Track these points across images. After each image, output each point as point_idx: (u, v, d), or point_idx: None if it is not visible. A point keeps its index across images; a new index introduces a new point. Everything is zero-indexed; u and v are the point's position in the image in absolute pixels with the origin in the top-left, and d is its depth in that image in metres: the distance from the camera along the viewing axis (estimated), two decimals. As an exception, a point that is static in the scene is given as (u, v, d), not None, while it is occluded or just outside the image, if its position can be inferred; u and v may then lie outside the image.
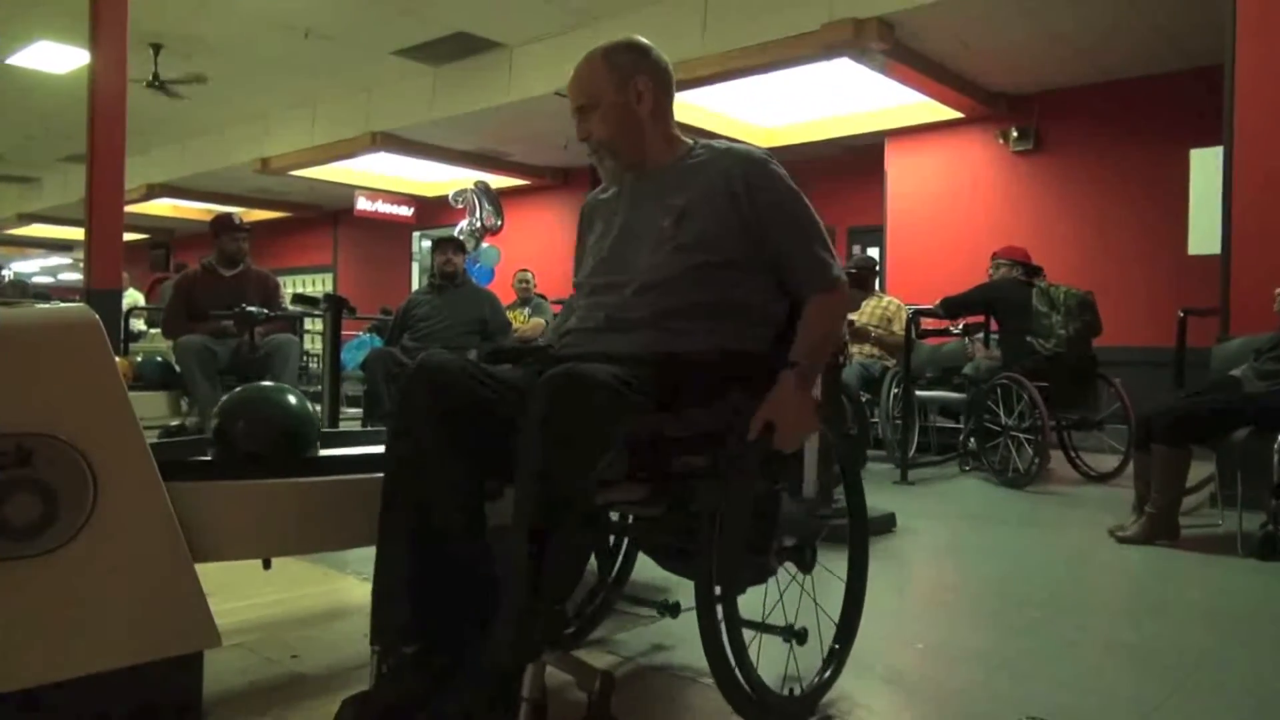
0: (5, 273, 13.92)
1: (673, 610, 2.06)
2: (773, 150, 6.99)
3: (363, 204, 11.89)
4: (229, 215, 5.33)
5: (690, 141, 1.91)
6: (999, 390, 5.05)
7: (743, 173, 1.80)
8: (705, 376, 1.71)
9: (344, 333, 4.75)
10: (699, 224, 1.78)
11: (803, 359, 1.74)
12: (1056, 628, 2.49)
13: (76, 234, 16.20)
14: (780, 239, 1.81)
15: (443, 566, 1.57)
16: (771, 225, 1.80)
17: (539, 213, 11.59)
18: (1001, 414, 5.01)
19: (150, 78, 8.47)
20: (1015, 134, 7.83)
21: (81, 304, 1.68)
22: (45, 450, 1.50)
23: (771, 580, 1.84)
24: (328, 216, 14.46)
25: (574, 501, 1.47)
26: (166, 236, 16.08)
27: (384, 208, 12.15)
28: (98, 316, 1.60)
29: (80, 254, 16.87)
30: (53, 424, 1.51)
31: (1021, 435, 4.93)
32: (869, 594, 2.01)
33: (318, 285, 14.99)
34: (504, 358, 1.95)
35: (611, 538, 2.21)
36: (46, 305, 1.68)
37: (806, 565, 1.87)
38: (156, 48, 8.30)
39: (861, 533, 2.03)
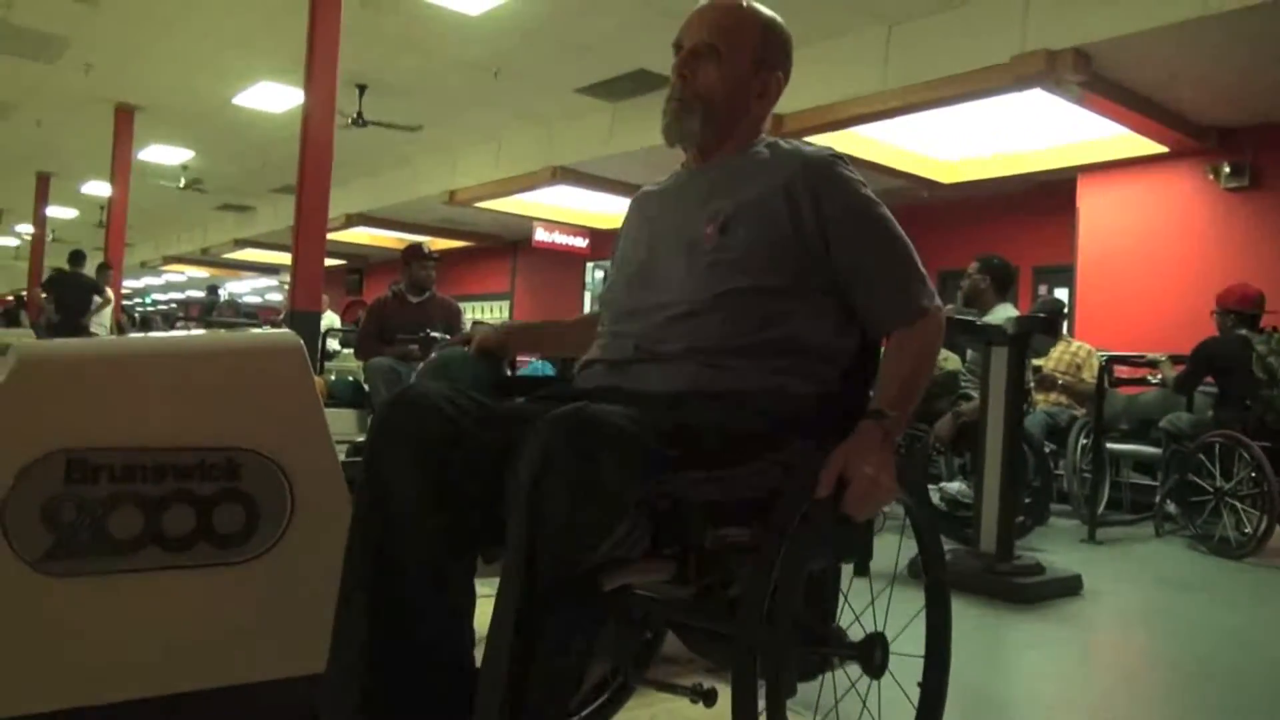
0: (221, 293, 15.23)
1: (708, 698, 1.56)
2: (954, 186, 6.80)
3: (541, 235, 12.32)
4: (419, 245, 5.62)
5: (762, 137, 1.60)
6: (1215, 449, 4.63)
7: (805, 175, 1.48)
8: (752, 425, 1.39)
9: (519, 359, 4.91)
10: (745, 235, 1.46)
11: (889, 406, 1.42)
12: None
13: (282, 259, 17.59)
14: (848, 257, 1.47)
15: (406, 650, 1.27)
16: (838, 239, 1.47)
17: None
18: (1217, 475, 4.59)
19: (354, 115, 9.09)
20: (1227, 170, 7.23)
21: (287, 329, 1.79)
22: (250, 464, 1.60)
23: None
24: (507, 246, 15.07)
25: (574, 586, 1.13)
26: (361, 263, 17.20)
27: (560, 239, 12.54)
28: (301, 341, 1.71)
29: (285, 276, 18.30)
30: (257, 439, 1.61)
31: (1238, 501, 4.50)
32: (1044, 660, 1.81)
33: (496, 312, 15.62)
34: (515, 389, 1.72)
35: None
36: (256, 330, 1.81)
37: (875, 668, 1.46)
38: (361, 88, 8.91)
39: (942, 622, 1.60)
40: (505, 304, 15.57)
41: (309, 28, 6.46)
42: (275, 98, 9.36)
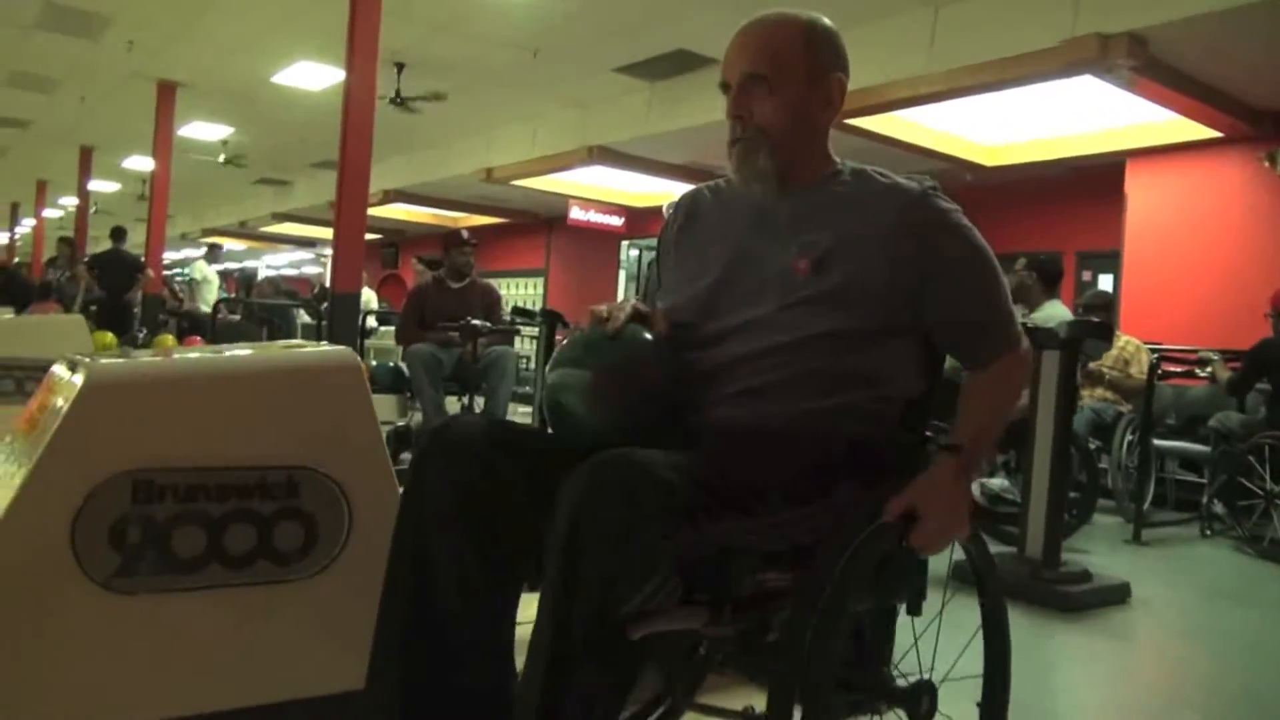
0: (266, 271, 15.34)
1: None
2: (997, 169, 6.65)
3: (576, 213, 12.29)
4: (458, 232, 5.62)
5: (838, 162, 1.53)
6: (1266, 450, 4.54)
7: (912, 219, 1.41)
8: (813, 468, 1.34)
9: (558, 342, 4.92)
10: (841, 274, 1.40)
11: (968, 442, 1.38)
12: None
13: (318, 232, 17.71)
14: (953, 306, 1.43)
15: (443, 682, 1.28)
16: (947, 288, 1.42)
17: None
18: (1267, 477, 4.50)
19: (393, 94, 9.09)
20: (1284, 156, 7.05)
21: (345, 348, 1.79)
22: (309, 482, 1.61)
23: None
24: (542, 223, 15.05)
25: (606, 635, 1.12)
26: (397, 237, 17.27)
27: (595, 217, 12.51)
28: (359, 359, 1.71)
29: (321, 250, 18.43)
30: (316, 458, 1.62)
31: (1291, 504, 4.41)
32: (1089, 676, 1.77)
33: (529, 288, 15.65)
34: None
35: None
36: (315, 348, 1.81)
37: (921, 717, 1.42)
38: (399, 66, 8.90)
39: (999, 674, 1.52)
40: (540, 280, 15.59)
41: (350, 7, 6.45)
42: (314, 76, 9.37)
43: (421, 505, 1.30)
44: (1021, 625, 2.96)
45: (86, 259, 10.77)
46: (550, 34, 7.78)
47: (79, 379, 1.49)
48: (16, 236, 22.80)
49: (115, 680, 1.51)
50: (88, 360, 1.55)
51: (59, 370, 1.64)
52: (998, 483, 4.44)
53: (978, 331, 1.46)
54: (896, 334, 1.43)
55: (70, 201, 17.18)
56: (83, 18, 8.22)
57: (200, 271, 11.09)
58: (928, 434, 1.54)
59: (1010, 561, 3.35)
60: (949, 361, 4.83)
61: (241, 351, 1.82)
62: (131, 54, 9.15)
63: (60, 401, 1.51)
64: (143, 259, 10.39)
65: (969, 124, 8.13)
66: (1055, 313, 4.01)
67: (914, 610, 1.45)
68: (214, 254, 11.26)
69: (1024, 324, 3.60)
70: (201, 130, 12.01)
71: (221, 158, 13.14)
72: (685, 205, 1.62)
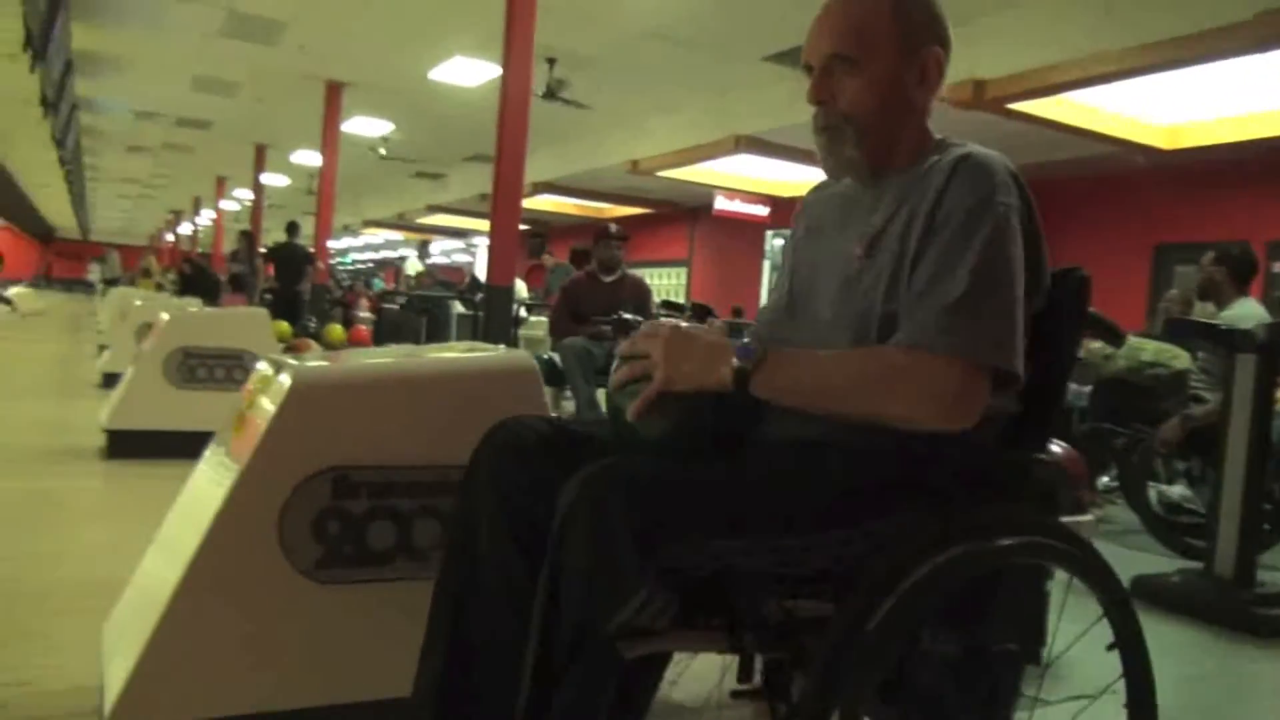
0: (431, 262, 15.94)
1: None
2: (1175, 152, 6.17)
3: (721, 203, 12.26)
4: (606, 227, 5.70)
5: (938, 139, 1.34)
6: None
7: (944, 180, 1.22)
8: (855, 483, 1.17)
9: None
10: (885, 256, 1.24)
11: (775, 360, 1.17)
12: None
13: (469, 223, 18.32)
14: (919, 263, 1.20)
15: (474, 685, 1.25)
16: (928, 245, 1.20)
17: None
18: None
19: (545, 89, 9.28)
20: None
21: (522, 352, 1.84)
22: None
23: None
24: (686, 213, 15.08)
25: (591, 650, 1.05)
26: (544, 228, 17.65)
27: (741, 207, 12.44)
28: (535, 363, 1.76)
29: (472, 240, 19.05)
30: (497, 458, 1.67)
31: None
32: None
33: (672, 279, 15.72)
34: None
35: None
36: (495, 353, 1.87)
37: None
38: (551, 61, 9.07)
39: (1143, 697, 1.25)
40: (683, 270, 15.63)
41: (507, 5, 6.61)
42: (469, 72, 9.67)
43: (472, 507, 1.27)
44: (1206, 650, 2.78)
45: (263, 251, 11.48)
46: (698, 24, 7.76)
47: (285, 381, 1.59)
48: (198, 228, 24.56)
49: (314, 663, 1.61)
50: (293, 363, 1.65)
51: (265, 370, 1.76)
52: (1177, 491, 4.17)
53: (914, 302, 1.18)
54: None
55: (245, 195, 18.38)
56: (262, 24, 8.75)
57: (413, 267, 11.62)
58: (1040, 454, 1.32)
59: (1195, 578, 3.14)
60: (1125, 358, 4.45)
61: (430, 356, 1.90)
62: (303, 56, 9.69)
63: (268, 402, 1.61)
64: (311, 251, 10.99)
65: (1140, 102, 7.62)
66: (1249, 311, 3.71)
67: (1030, 657, 1.26)
68: (425, 250, 11.80)
69: (1217, 327, 3.38)
70: (364, 126, 12.61)
71: (382, 152, 13.76)
72: (801, 207, 1.50)
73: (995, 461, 1.26)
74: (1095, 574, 1.21)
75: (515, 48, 6.60)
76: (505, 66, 6.66)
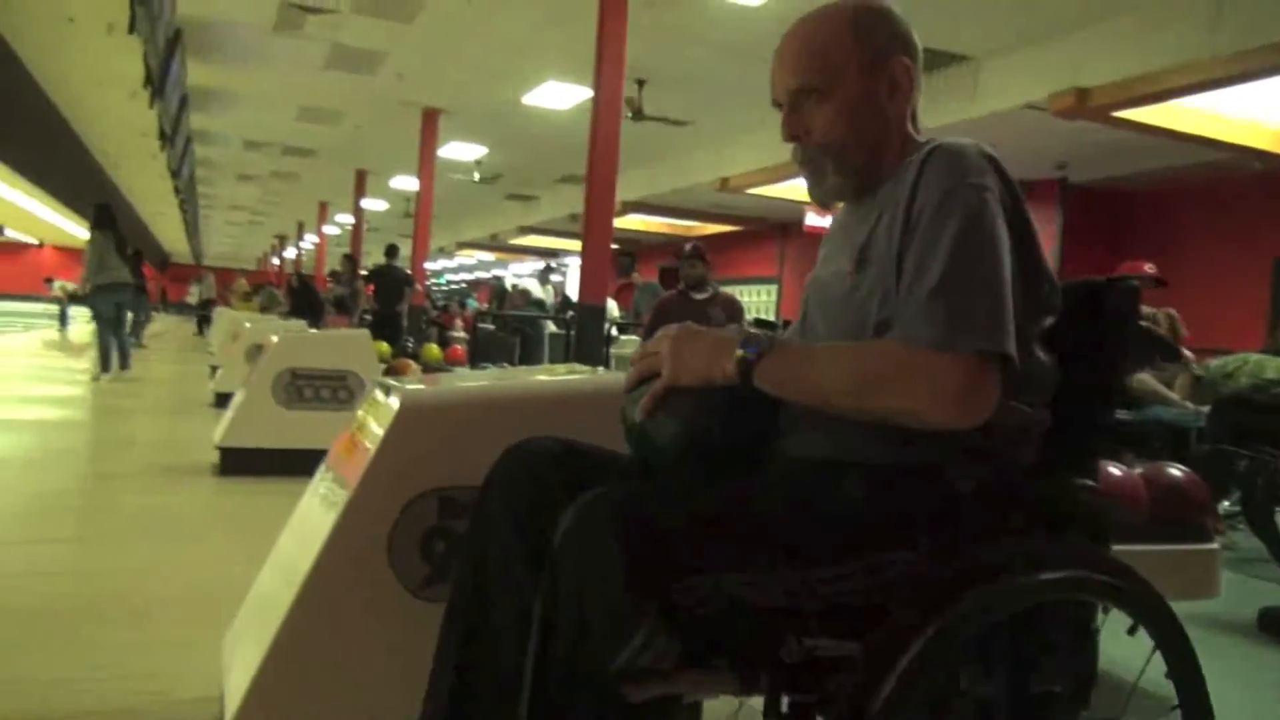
0: (512, 280, 16.26)
1: None
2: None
3: (812, 220, 12.16)
4: (690, 246, 5.73)
5: (922, 141, 1.27)
6: None
7: (916, 174, 1.16)
8: (880, 509, 1.11)
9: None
10: (874, 268, 1.18)
11: (781, 353, 1.12)
12: None
13: (558, 243, 18.58)
14: (907, 258, 1.13)
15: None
16: (909, 241, 1.14)
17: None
18: None
19: (634, 109, 9.37)
20: None
21: (619, 375, 1.86)
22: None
23: None
24: (775, 230, 15.00)
25: (588, 690, 1.00)
26: (633, 247, 17.77)
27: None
28: (638, 384, 1.77)
29: (560, 259, 19.32)
30: (598, 479, 1.69)
31: None
32: None
33: (761, 296, 15.64)
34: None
35: None
36: (593, 374, 1.89)
37: None
38: (640, 83, 9.16)
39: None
40: (773, 288, 15.54)
41: (598, 30, 6.71)
42: (560, 96, 9.85)
43: (483, 532, 1.25)
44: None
45: (363, 273, 11.85)
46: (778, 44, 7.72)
47: (394, 404, 1.64)
48: (302, 252, 25.51)
49: (422, 678, 1.64)
50: (401, 386, 1.70)
51: (375, 394, 1.81)
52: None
53: (902, 299, 1.11)
54: None
55: (346, 220, 19.02)
56: (363, 55, 9.08)
57: (539, 293, 11.83)
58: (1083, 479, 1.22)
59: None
60: (1248, 376, 4.21)
61: (532, 379, 1.93)
62: (401, 84, 10.01)
63: (377, 425, 1.66)
64: (410, 273, 11.30)
65: (1258, 107, 7.28)
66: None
67: (1079, 699, 1.16)
68: (546, 275, 12.04)
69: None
70: (458, 151, 12.94)
71: (476, 175, 14.09)
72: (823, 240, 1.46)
73: (1033, 486, 1.18)
74: (1145, 608, 1.13)
75: (606, 70, 6.69)
76: (596, 89, 6.76)
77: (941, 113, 8.36)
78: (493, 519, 1.24)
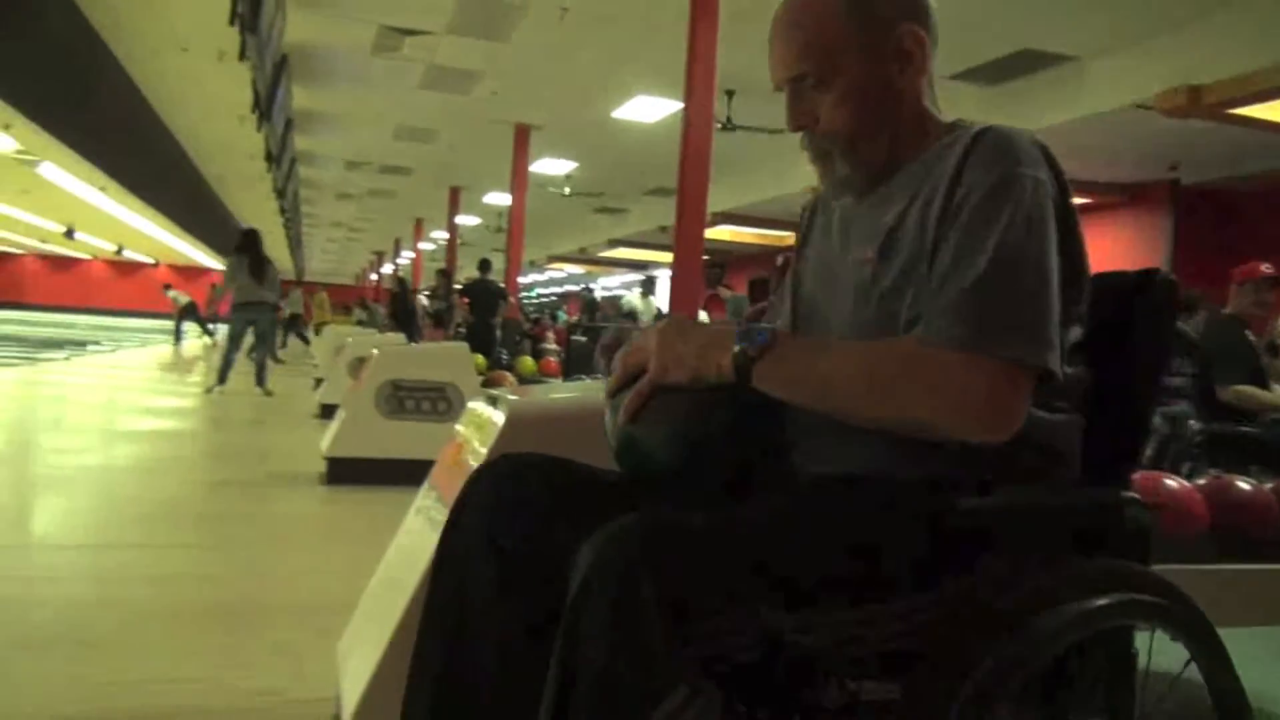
0: (601, 293, 16.38)
1: None
2: None
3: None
4: (783, 258, 5.70)
5: (948, 124, 1.16)
6: None
7: (960, 159, 1.04)
8: (924, 535, 0.99)
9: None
10: (901, 256, 1.07)
11: (790, 346, 1.01)
12: None
13: (648, 255, 18.66)
14: (940, 252, 1.02)
15: None
16: (947, 231, 1.02)
17: (1101, 235, 10.59)
18: None
19: (724, 121, 9.36)
20: None
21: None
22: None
23: None
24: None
25: None
26: (723, 258, 17.74)
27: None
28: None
29: (650, 272, 19.40)
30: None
31: None
32: None
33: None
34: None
35: None
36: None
37: None
38: (730, 94, 9.15)
39: None
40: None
41: (689, 44, 6.72)
42: (650, 109, 9.90)
43: (455, 559, 1.11)
44: None
45: (458, 288, 12.10)
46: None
47: (500, 416, 1.66)
48: (399, 268, 26.22)
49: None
50: (507, 398, 1.72)
51: (479, 407, 1.84)
52: None
53: (934, 294, 1.00)
54: None
55: (441, 235, 19.49)
56: (458, 75, 9.30)
57: (639, 305, 11.95)
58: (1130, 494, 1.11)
59: None
60: None
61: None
62: (494, 102, 10.21)
63: (480, 438, 1.69)
64: (503, 286, 11.50)
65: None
66: None
67: None
68: (650, 286, 12.15)
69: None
70: (549, 166, 13.13)
71: (566, 190, 14.26)
72: (802, 218, 1.32)
73: (1072, 499, 1.08)
74: (1191, 629, 1.03)
75: (697, 82, 6.70)
76: (687, 101, 6.77)
77: (1043, 115, 8.12)
78: (468, 546, 1.10)
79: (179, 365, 14.25)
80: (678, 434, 1.05)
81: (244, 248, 8.59)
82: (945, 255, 1.00)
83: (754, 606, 0.91)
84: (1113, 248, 10.21)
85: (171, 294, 20.05)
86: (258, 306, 8.56)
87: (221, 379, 8.71)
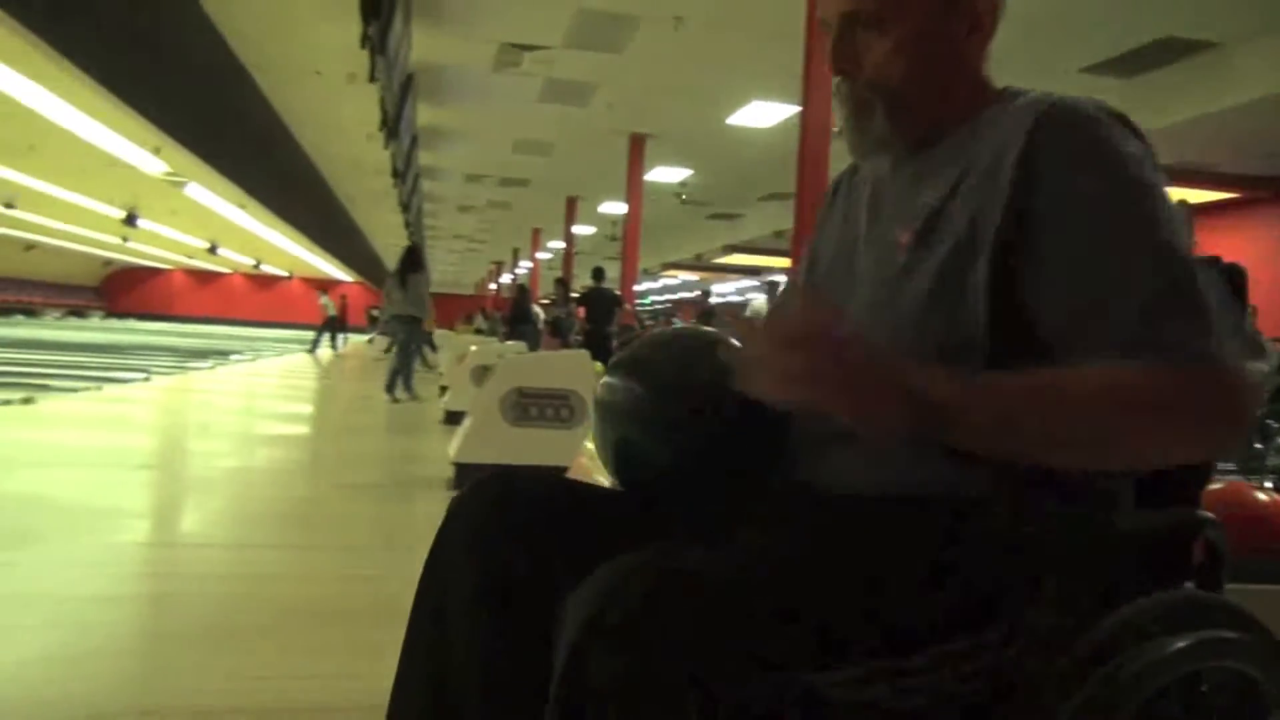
0: (719, 302, 16.35)
1: None
2: None
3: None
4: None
5: (998, 90, 1.03)
6: None
7: (1028, 134, 0.90)
8: (978, 559, 0.85)
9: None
10: (943, 241, 0.92)
11: (961, 390, 0.84)
12: None
13: (764, 261, 18.52)
14: (1060, 273, 0.87)
15: None
16: (1053, 225, 0.87)
17: (1249, 231, 9.96)
18: None
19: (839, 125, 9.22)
20: None
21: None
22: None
23: None
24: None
25: None
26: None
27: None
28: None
29: (766, 277, 19.25)
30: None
31: None
32: None
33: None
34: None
35: None
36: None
37: None
38: (847, 95, 9.01)
39: None
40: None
41: (805, 48, 6.66)
42: (765, 114, 9.84)
43: (440, 588, 0.98)
44: None
45: (575, 296, 12.29)
46: (1005, 41, 7.36)
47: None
48: (516, 277, 26.81)
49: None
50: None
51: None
52: None
53: (1095, 314, 0.85)
54: (1033, 340, 0.88)
55: (557, 245, 19.82)
56: (575, 87, 9.45)
57: (761, 309, 12.01)
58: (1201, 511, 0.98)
59: None
60: None
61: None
62: (610, 113, 10.33)
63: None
64: (619, 294, 11.62)
65: None
66: None
67: None
68: (773, 290, 12.20)
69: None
70: (664, 174, 13.20)
71: (681, 197, 14.31)
72: (827, 197, 1.19)
73: (1138, 521, 0.94)
74: (1270, 667, 0.87)
75: (813, 85, 6.62)
76: (804, 104, 6.70)
77: (1185, 106, 7.71)
78: (454, 575, 0.96)
79: (312, 373, 14.91)
80: (678, 435, 0.96)
81: (401, 264, 9.22)
82: (1079, 259, 0.86)
83: (790, 666, 0.77)
84: (1260, 246, 9.58)
85: (324, 300, 20.91)
86: (400, 319, 9.10)
87: (387, 387, 9.15)
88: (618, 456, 1.00)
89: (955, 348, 0.88)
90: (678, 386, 0.99)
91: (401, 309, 9.03)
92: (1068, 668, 0.80)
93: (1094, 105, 0.92)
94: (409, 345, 9.36)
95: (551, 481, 1.05)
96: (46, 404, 7.41)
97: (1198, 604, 0.90)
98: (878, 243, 1.00)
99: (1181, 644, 0.82)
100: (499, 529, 0.96)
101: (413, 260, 9.23)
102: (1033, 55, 7.70)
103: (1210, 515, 0.97)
